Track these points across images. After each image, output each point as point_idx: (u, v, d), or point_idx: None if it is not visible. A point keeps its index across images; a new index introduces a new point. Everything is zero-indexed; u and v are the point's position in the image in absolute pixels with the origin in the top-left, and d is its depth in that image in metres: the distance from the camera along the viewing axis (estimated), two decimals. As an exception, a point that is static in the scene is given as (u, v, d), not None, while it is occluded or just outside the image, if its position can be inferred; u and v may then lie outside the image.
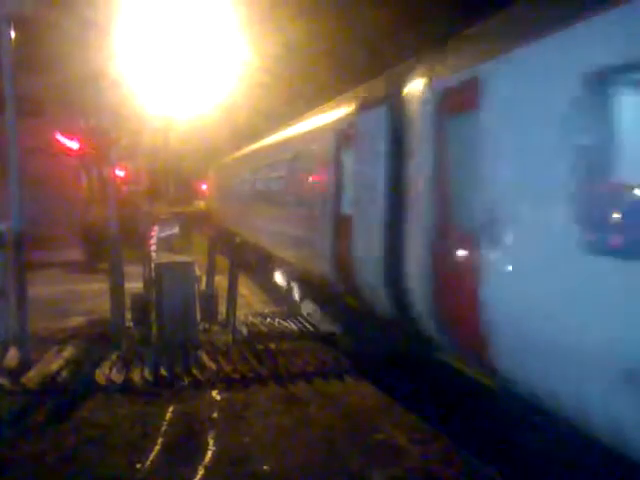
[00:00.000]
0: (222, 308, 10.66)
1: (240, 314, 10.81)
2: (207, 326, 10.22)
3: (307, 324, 11.03)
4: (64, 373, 7.88)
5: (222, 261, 12.25)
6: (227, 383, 7.72)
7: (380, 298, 7.92)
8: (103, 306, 10.36)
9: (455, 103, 6.12)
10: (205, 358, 8.51)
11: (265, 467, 5.53)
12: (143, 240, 14.26)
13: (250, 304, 12.84)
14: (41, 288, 12.52)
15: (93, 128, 11.03)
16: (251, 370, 8.11)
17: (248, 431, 6.33)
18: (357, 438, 6.11)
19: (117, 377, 7.77)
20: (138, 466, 5.56)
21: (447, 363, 7.58)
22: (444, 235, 6.22)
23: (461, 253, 5.95)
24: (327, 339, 9.90)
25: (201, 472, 5.45)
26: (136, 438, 6.17)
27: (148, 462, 5.64)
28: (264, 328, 10.76)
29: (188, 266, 9.82)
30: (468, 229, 5.69)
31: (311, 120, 12.14)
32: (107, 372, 7.90)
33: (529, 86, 5.01)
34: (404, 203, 7.18)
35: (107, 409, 6.93)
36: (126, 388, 7.52)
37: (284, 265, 12.75)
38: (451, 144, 6.19)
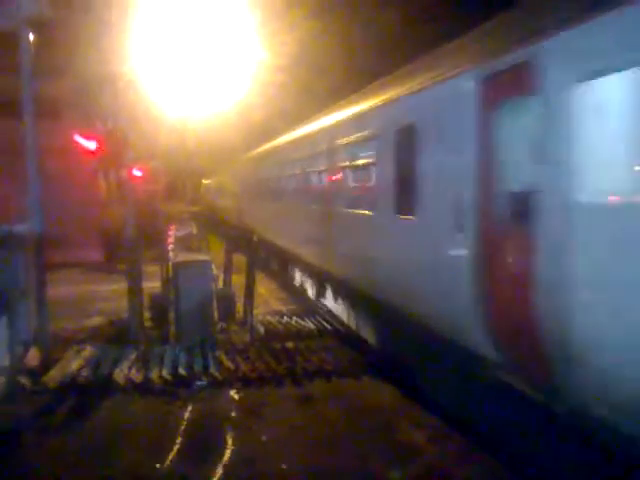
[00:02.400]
0: (240, 307, 10.70)
1: (257, 313, 10.85)
2: (225, 325, 10.27)
3: (324, 322, 11.05)
4: (84, 373, 7.96)
5: (239, 260, 12.28)
6: (245, 382, 7.75)
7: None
8: (122, 306, 10.44)
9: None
10: (223, 357, 8.55)
11: (283, 466, 5.55)
12: (161, 240, 14.35)
13: (267, 303, 12.87)
14: (61, 289, 12.66)
15: (110, 129, 11.09)
16: (268, 369, 8.14)
17: (266, 430, 6.35)
18: (374, 437, 6.11)
19: (136, 377, 7.83)
20: (157, 465, 5.61)
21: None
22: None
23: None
24: (345, 337, 9.91)
25: (219, 471, 5.49)
26: (155, 437, 6.22)
27: (167, 461, 5.69)
28: (281, 327, 10.78)
29: (205, 265, 9.87)
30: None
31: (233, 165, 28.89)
32: (126, 372, 7.97)
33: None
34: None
35: (126, 408, 7.00)
36: (145, 388, 7.58)
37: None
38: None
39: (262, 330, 10.27)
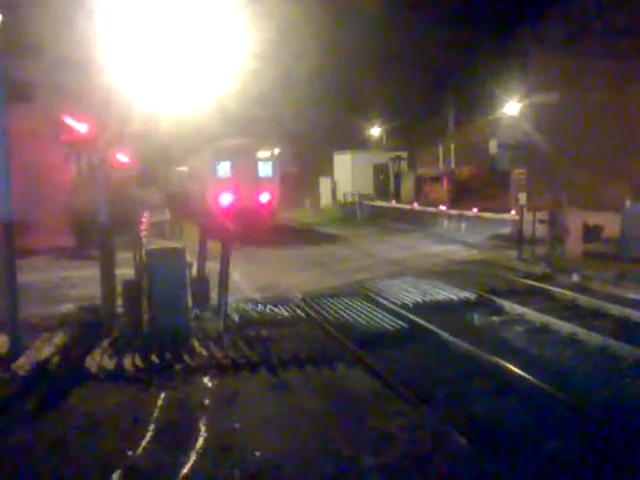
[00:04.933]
0: (214, 294, 10.65)
1: (232, 300, 10.81)
2: (198, 312, 10.21)
3: (299, 310, 11.06)
4: (55, 360, 7.88)
5: (214, 247, 12.20)
6: (218, 369, 7.73)
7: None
8: (94, 293, 10.33)
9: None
10: (196, 345, 8.52)
11: (256, 453, 5.55)
12: (134, 226, 14.20)
13: (242, 290, 12.83)
14: (31, 275, 12.47)
15: (83, 113, 10.90)
16: (242, 356, 8.13)
17: (239, 417, 6.35)
18: (347, 424, 6.14)
19: (108, 364, 7.77)
20: (129, 453, 5.57)
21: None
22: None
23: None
24: (319, 325, 9.94)
25: (192, 458, 5.47)
26: (127, 425, 6.18)
27: (139, 448, 5.65)
28: (256, 314, 10.77)
29: (179, 252, 9.78)
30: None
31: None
32: (98, 359, 7.90)
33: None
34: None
35: (98, 396, 6.94)
36: (117, 375, 7.53)
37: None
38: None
39: (236, 318, 10.25)
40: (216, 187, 24.09)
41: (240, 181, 23.72)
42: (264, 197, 24.08)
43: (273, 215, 24.54)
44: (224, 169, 24.35)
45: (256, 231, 20.00)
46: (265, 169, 24.60)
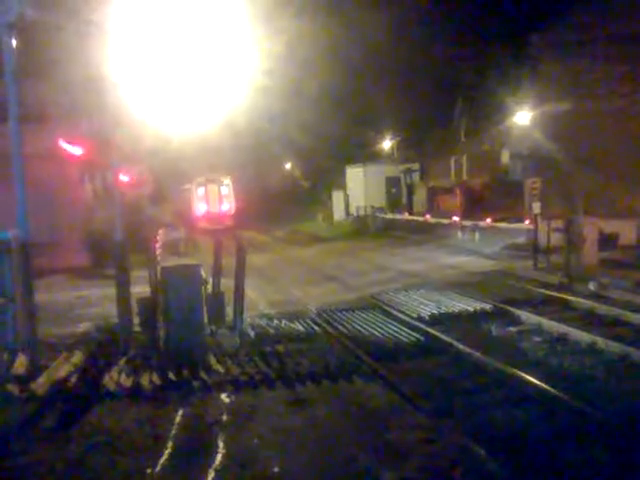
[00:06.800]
0: (229, 310, 10.66)
1: (246, 316, 10.82)
2: (214, 329, 10.21)
3: (314, 325, 11.04)
4: (73, 379, 7.90)
5: (229, 263, 12.23)
6: (235, 386, 7.72)
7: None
8: (110, 311, 10.38)
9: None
10: (213, 361, 8.51)
11: (274, 469, 5.53)
12: (148, 244, 14.25)
13: (257, 306, 12.84)
14: (48, 294, 12.55)
15: (96, 133, 11.02)
16: (259, 372, 8.11)
17: (257, 433, 6.33)
18: (365, 439, 6.10)
19: (126, 382, 7.77)
20: (148, 471, 5.56)
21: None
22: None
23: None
24: (335, 339, 9.91)
25: (211, 475, 5.45)
26: (145, 442, 6.18)
27: (158, 466, 5.64)
28: (271, 330, 10.76)
29: (194, 269, 9.80)
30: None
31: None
32: (116, 377, 7.91)
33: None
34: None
35: (116, 414, 6.94)
36: (135, 393, 7.53)
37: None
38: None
39: (252, 333, 10.24)
40: (197, 201, 39.39)
41: (210, 197, 39.24)
42: (225, 206, 39.20)
43: (232, 216, 38.15)
44: (201, 191, 39.53)
45: (221, 225, 34.03)
46: (224, 190, 39.60)
